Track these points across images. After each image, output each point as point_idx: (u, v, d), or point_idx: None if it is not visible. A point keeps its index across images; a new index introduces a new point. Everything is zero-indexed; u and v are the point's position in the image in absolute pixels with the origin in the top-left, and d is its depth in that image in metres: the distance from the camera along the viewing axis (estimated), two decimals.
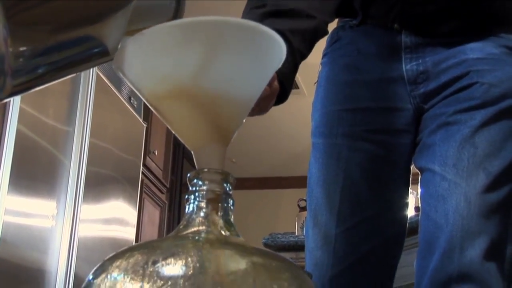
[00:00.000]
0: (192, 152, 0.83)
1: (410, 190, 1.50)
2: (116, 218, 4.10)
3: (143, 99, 0.83)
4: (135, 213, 4.34)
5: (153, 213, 5.08)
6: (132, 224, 4.29)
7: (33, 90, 0.71)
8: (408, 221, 1.48)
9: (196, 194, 0.78)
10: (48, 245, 3.35)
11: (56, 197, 3.43)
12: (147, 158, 4.84)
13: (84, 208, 3.61)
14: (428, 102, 1.42)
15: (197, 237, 0.75)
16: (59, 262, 3.41)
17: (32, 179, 3.26)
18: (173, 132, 0.84)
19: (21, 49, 0.65)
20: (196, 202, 0.78)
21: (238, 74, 0.79)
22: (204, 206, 0.78)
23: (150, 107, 0.82)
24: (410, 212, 1.71)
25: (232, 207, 0.80)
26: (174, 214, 5.86)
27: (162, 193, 5.32)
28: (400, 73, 1.44)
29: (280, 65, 0.83)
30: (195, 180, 0.78)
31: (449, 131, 1.36)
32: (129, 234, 4.20)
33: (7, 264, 3.05)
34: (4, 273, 3.03)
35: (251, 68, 0.80)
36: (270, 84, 1.22)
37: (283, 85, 1.28)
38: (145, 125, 4.51)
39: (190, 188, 0.79)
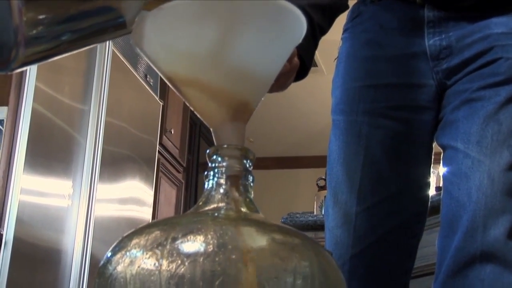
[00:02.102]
0: (211, 129, 0.82)
1: (431, 170, 1.48)
2: (133, 197, 4.10)
3: (160, 76, 0.82)
4: (151, 192, 4.34)
5: (170, 193, 5.08)
6: (149, 204, 4.30)
7: (45, 62, 0.70)
8: (429, 201, 1.46)
9: (216, 170, 0.77)
10: (64, 225, 3.36)
11: (72, 176, 3.43)
12: (164, 137, 4.83)
13: (100, 187, 3.61)
14: (451, 78, 1.40)
15: (216, 214, 0.74)
16: (75, 242, 3.41)
17: (48, 158, 3.26)
18: (192, 109, 0.83)
19: (36, 18, 0.65)
20: (215, 179, 0.77)
21: (258, 50, 0.79)
22: (224, 182, 0.77)
23: (168, 83, 0.81)
24: (431, 191, 1.69)
25: (252, 184, 0.79)
26: (190, 194, 5.87)
27: (179, 172, 5.31)
28: (422, 48, 1.42)
29: (300, 41, 0.82)
30: (214, 157, 0.77)
31: (472, 108, 1.33)
32: (145, 213, 4.20)
33: (23, 243, 3.06)
34: (21, 253, 3.03)
35: (271, 44, 0.80)
36: (290, 60, 1.20)
37: (303, 61, 1.26)
38: (161, 103, 4.50)
39: (209, 165, 0.77)
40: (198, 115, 0.83)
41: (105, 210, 3.71)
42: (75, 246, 3.42)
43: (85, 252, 3.44)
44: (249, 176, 0.78)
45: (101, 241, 3.53)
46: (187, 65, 0.78)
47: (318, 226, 3.07)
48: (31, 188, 3.13)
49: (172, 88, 0.82)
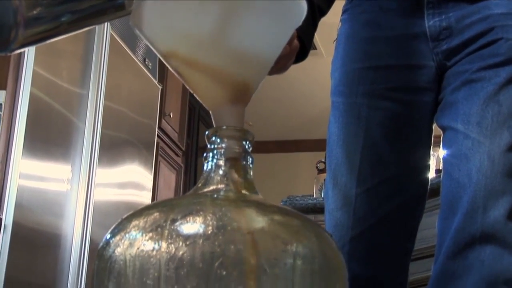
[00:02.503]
0: (210, 112, 0.81)
1: (431, 152, 1.47)
2: (132, 182, 4.10)
3: (159, 59, 0.81)
4: (150, 176, 4.33)
5: (169, 177, 5.08)
6: (148, 188, 4.29)
7: (44, 43, 0.70)
8: (429, 183, 1.46)
9: (215, 152, 0.77)
10: (63, 209, 3.36)
11: (71, 161, 3.42)
12: (163, 120, 4.82)
13: (99, 172, 3.60)
14: (451, 59, 1.39)
15: (216, 195, 0.73)
16: (74, 226, 3.42)
17: (46, 143, 3.26)
18: (191, 91, 0.83)
19: None
20: (214, 160, 0.77)
21: (258, 32, 0.79)
22: (223, 164, 0.76)
23: (167, 65, 0.81)
24: (431, 174, 1.68)
25: (251, 165, 0.78)
26: (190, 178, 5.87)
27: (178, 156, 5.31)
28: (422, 29, 1.41)
29: (300, 23, 0.81)
30: (213, 138, 0.77)
31: (472, 89, 1.33)
32: (144, 198, 4.20)
33: (23, 228, 3.06)
34: (20, 237, 3.04)
35: (271, 26, 0.80)
36: (290, 42, 1.19)
37: (302, 43, 1.25)
38: (160, 87, 4.49)
39: (208, 146, 0.77)
40: (197, 98, 0.83)
41: (104, 194, 3.70)
42: (75, 231, 3.42)
43: (85, 237, 3.44)
44: (248, 157, 0.78)
45: (100, 225, 3.53)
46: (187, 47, 0.78)
47: (318, 209, 3.08)
48: (30, 172, 3.13)
49: (171, 70, 0.81)
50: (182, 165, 5.44)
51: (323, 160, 4.02)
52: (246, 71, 0.79)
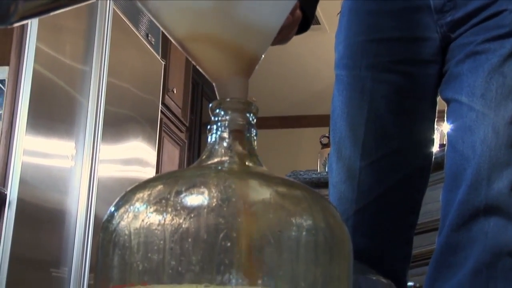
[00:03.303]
0: (214, 84, 0.81)
1: (435, 126, 1.47)
2: (136, 158, 4.10)
3: (162, 34, 0.81)
4: (154, 153, 4.34)
5: (173, 153, 5.09)
6: (152, 164, 4.30)
7: (44, 16, 0.70)
8: (433, 156, 1.46)
9: (219, 124, 0.76)
10: (67, 186, 3.37)
11: (74, 137, 3.43)
12: (166, 96, 4.81)
13: (103, 148, 3.61)
14: (455, 31, 1.38)
15: (220, 167, 0.73)
16: (79, 203, 3.42)
17: (50, 119, 3.26)
18: (194, 63, 0.82)
19: None
20: (218, 133, 0.76)
21: (261, 2, 0.77)
22: (227, 136, 0.76)
23: (170, 38, 0.81)
24: (435, 148, 1.68)
25: (255, 137, 0.78)
26: (193, 154, 5.87)
27: (182, 132, 5.31)
28: (426, 1, 1.40)
29: None
30: (217, 110, 0.77)
31: (477, 61, 1.32)
32: (148, 174, 4.20)
33: (27, 204, 3.07)
34: (25, 214, 3.05)
35: None
36: (292, 13, 1.19)
37: (305, 13, 1.25)
38: (163, 62, 4.48)
39: (212, 118, 0.77)
40: (201, 70, 0.83)
41: (108, 170, 3.71)
42: (79, 207, 3.43)
43: (89, 213, 3.45)
44: (253, 129, 0.77)
45: (104, 201, 3.54)
46: (189, 18, 0.77)
47: (322, 184, 3.08)
48: (33, 149, 3.13)
49: (174, 43, 0.81)
50: (186, 141, 5.44)
51: (326, 134, 4.02)
52: (249, 42, 0.79)
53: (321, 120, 6.45)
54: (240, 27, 0.77)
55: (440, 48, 1.41)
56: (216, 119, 0.76)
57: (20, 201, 3.01)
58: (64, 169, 3.35)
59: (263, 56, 0.83)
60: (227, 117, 0.76)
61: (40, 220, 3.18)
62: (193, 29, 0.77)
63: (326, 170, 3.39)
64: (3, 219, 2.97)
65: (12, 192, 3.00)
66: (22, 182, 3.03)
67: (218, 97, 0.80)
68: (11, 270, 2.93)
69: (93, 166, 3.51)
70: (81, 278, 3.36)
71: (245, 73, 0.81)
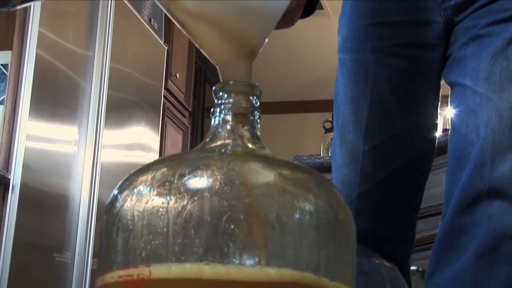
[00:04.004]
0: (217, 67, 0.81)
1: (438, 111, 1.47)
2: (138, 143, 4.10)
3: (165, 18, 0.81)
4: (157, 138, 4.34)
5: (176, 138, 5.09)
6: (155, 149, 4.30)
7: None
8: (436, 140, 1.45)
9: (222, 107, 0.76)
10: (70, 171, 3.38)
11: (77, 122, 3.43)
12: (169, 81, 4.81)
13: (106, 133, 3.61)
14: (459, 14, 1.38)
15: (223, 150, 0.73)
16: (82, 188, 3.43)
17: (53, 104, 3.26)
18: (197, 46, 0.82)
19: None
20: (222, 116, 0.76)
21: None
22: (230, 119, 0.76)
23: (173, 21, 0.80)
24: (438, 133, 1.68)
25: (258, 120, 0.78)
26: (196, 139, 5.88)
27: (185, 117, 5.31)
28: None
29: None
30: (220, 93, 0.76)
31: (481, 44, 1.32)
32: (151, 159, 4.19)
33: (30, 190, 3.07)
34: (28, 199, 3.05)
35: None
36: None
37: None
38: (166, 47, 4.47)
39: (216, 101, 0.77)
40: (204, 53, 0.82)
41: (111, 156, 3.71)
42: (82, 192, 3.43)
43: (92, 198, 3.46)
44: (256, 112, 0.77)
45: (107, 186, 3.54)
46: (193, 1, 0.77)
47: (325, 168, 3.07)
48: (37, 134, 3.14)
49: (178, 26, 0.81)
50: (189, 126, 5.44)
51: (330, 119, 4.01)
52: (254, 24, 0.79)
53: (325, 105, 6.45)
54: (244, 9, 0.77)
55: (444, 31, 1.40)
56: (220, 102, 0.76)
57: (24, 186, 3.02)
58: (67, 154, 3.36)
59: (266, 39, 0.83)
60: (231, 100, 0.76)
61: (43, 205, 3.19)
62: (195, 11, 0.77)
63: (329, 154, 3.40)
64: (7, 204, 2.98)
65: (16, 177, 3.01)
66: (25, 167, 3.04)
67: (221, 80, 0.80)
68: (14, 255, 2.94)
69: (96, 151, 3.52)
70: (84, 263, 3.37)
71: (248, 56, 0.81)
